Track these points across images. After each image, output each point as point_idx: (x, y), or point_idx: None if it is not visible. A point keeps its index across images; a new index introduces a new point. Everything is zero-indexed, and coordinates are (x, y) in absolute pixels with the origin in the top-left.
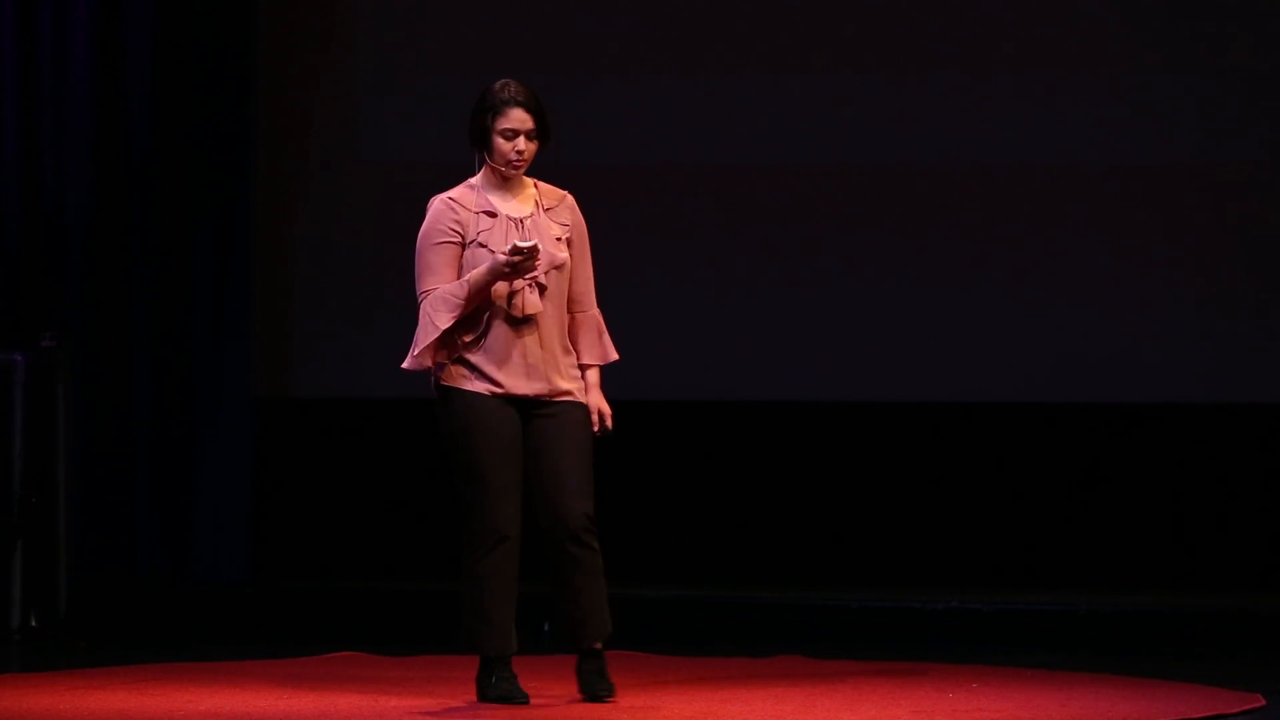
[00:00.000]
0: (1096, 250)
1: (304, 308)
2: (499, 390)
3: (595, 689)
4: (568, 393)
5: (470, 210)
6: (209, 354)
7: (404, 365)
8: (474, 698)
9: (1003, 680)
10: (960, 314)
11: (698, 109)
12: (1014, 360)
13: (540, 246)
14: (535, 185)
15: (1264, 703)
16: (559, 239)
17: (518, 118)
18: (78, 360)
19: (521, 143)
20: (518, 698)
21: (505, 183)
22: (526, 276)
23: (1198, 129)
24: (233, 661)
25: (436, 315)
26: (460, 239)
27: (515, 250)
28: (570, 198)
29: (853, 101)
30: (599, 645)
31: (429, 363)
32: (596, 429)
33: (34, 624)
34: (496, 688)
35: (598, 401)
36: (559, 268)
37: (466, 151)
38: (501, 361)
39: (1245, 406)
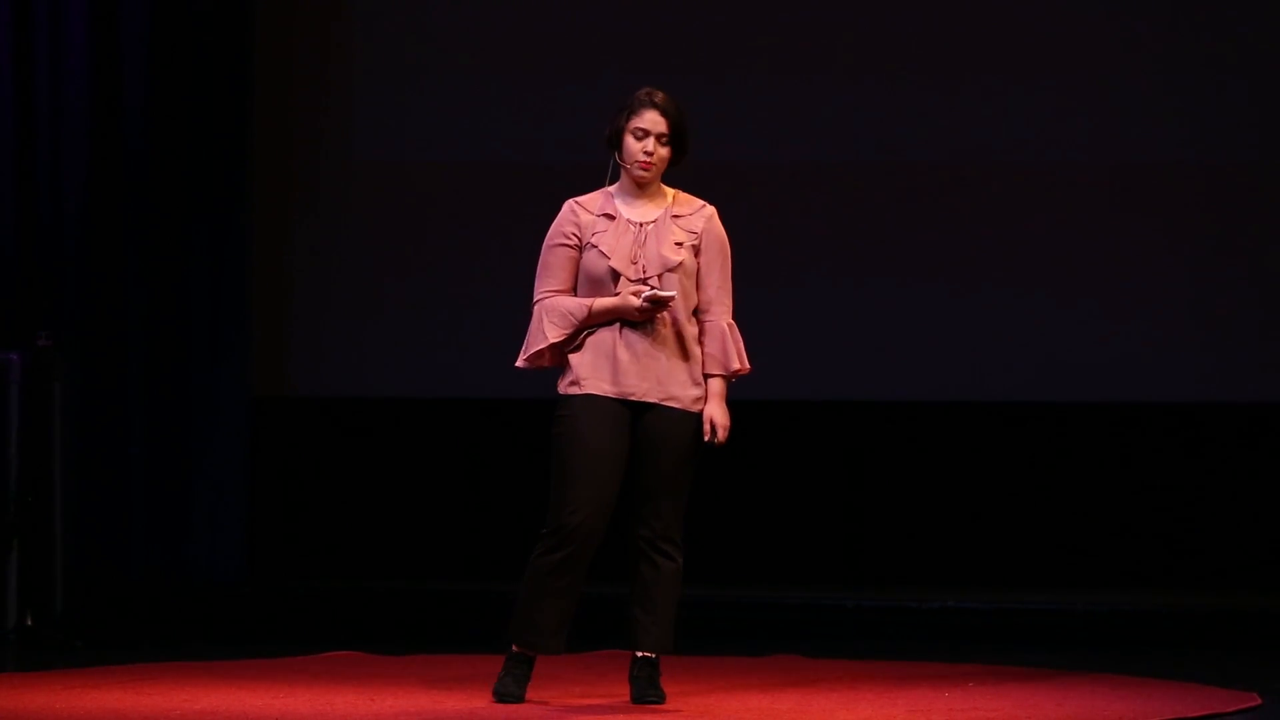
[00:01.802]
0: (1095, 250)
1: (300, 307)
2: (604, 391)
3: (643, 694)
4: (676, 399)
5: (591, 213)
6: (205, 353)
7: (517, 364)
8: (466, 696)
9: (999, 679)
10: (955, 313)
11: (695, 110)
12: (1009, 360)
13: (659, 295)
14: (674, 195)
15: (1260, 701)
16: (678, 244)
17: (650, 119)
18: (74, 359)
19: (651, 144)
20: (508, 698)
21: (639, 189)
22: (612, 271)
23: (1196, 129)
24: (229, 661)
25: (549, 326)
26: (577, 242)
27: (653, 300)
28: (709, 209)
29: (847, 103)
30: (652, 655)
31: (545, 364)
32: (706, 438)
33: (30, 623)
34: (500, 683)
35: (711, 410)
36: (671, 270)
37: (461, 152)
38: (607, 363)
39: (1241, 406)
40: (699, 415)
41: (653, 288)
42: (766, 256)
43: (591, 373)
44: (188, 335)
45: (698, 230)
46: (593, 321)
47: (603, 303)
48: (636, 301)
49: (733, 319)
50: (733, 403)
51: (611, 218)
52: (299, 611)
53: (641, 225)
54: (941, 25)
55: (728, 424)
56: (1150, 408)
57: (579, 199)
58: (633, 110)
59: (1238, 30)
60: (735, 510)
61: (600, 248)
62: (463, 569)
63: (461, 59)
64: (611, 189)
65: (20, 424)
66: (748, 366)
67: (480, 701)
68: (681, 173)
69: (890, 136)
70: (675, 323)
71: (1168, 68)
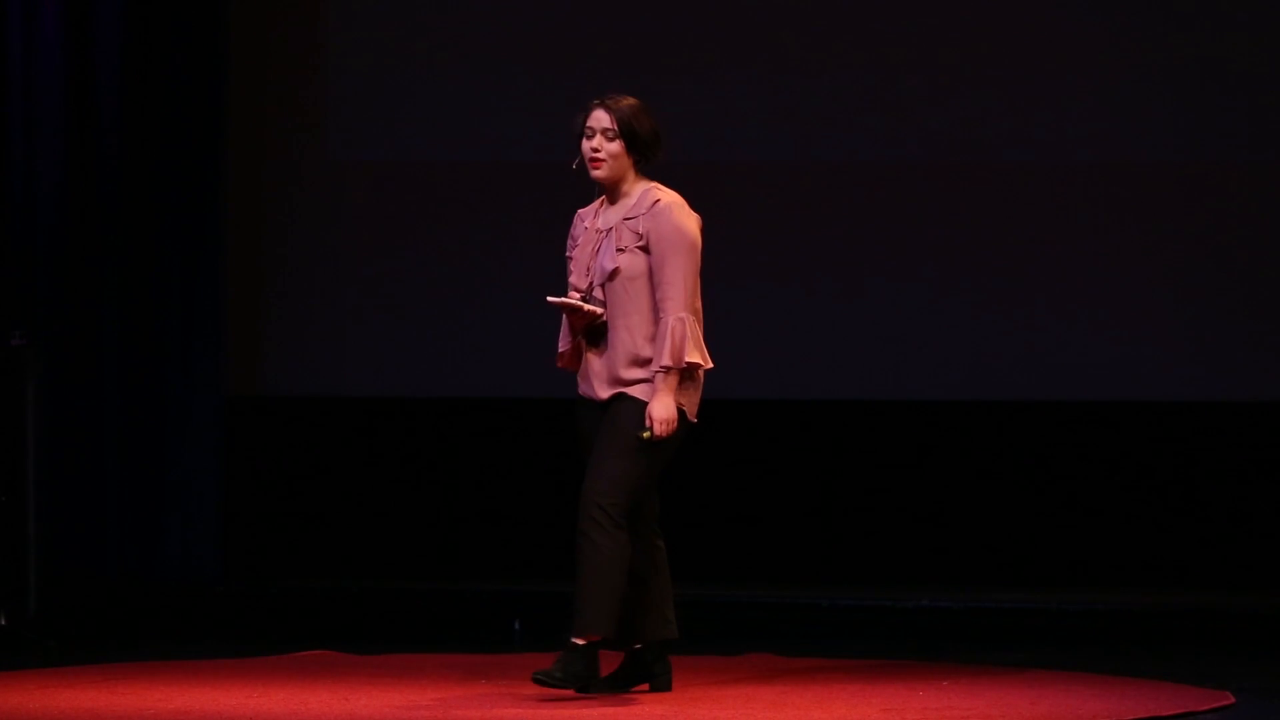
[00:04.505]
0: (1085, 249)
1: (274, 306)
2: (581, 392)
3: (538, 675)
4: (612, 390)
5: (583, 222)
6: (179, 352)
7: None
8: (441, 694)
9: (973, 678)
10: (935, 312)
11: (688, 109)
12: (990, 359)
13: (568, 303)
14: (640, 194)
15: (1233, 700)
16: (621, 249)
17: (595, 116)
18: (48, 358)
19: (598, 140)
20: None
21: (611, 191)
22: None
23: (1188, 129)
24: (203, 660)
25: (560, 338)
26: (572, 253)
27: (559, 306)
28: (660, 205)
29: (843, 102)
30: (578, 640)
31: (572, 368)
32: (645, 433)
33: (3, 623)
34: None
35: (650, 404)
36: (611, 278)
37: (436, 151)
38: (583, 367)
39: (1222, 405)
40: (634, 403)
41: (558, 298)
42: (748, 255)
43: (580, 377)
44: (162, 334)
45: (642, 231)
46: (570, 327)
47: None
48: (553, 304)
49: (687, 312)
50: (710, 402)
51: (588, 227)
52: (273, 611)
53: (600, 232)
54: (934, 25)
55: (664, 418)
56: (1130, 407)
57: (582, 209)
58: (587, 112)
59: (1228, 31)
60: (710, 509)
61: (573, 257)
62: (437, 568)
63: (440, 57)
64: (605, 195)
65: None
66: (684, 361)
67: (454, 699)
68: (674, 172)
69: (883, 136)
70: (626, 325)
71: (1158, 68)
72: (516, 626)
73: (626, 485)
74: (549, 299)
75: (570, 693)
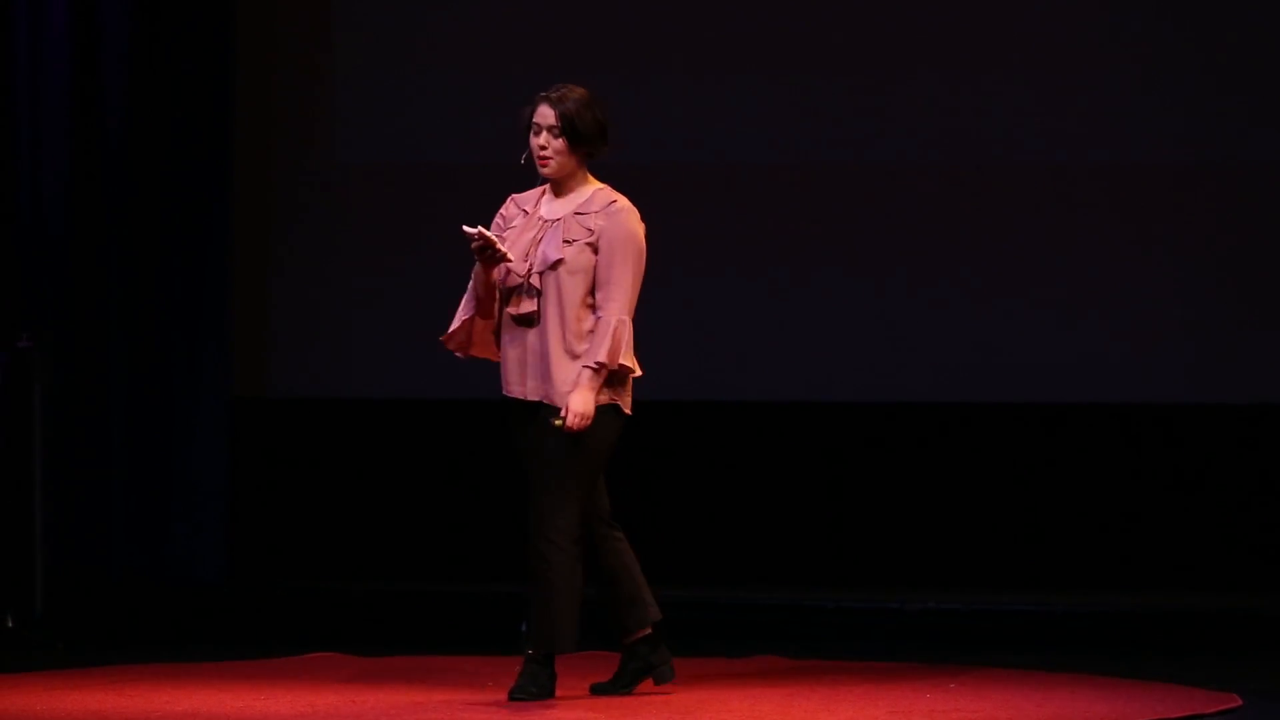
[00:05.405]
0: (1079, 250)
1: (281, 307)
2: (510, 393)
3: (512, 689)
4: (551, 397)
5: (519, 207)
6: (186, 353)
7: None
8: (448, 696)
9: (980, 680)
10: (936, 314)
11: (688, 108)
12: (990, 361)
13: (488, 235)
14: (594, 192)
15: (1240, 703)
16: (568, 241)
17: (541, 113)
18: (54, 360)
19: (544, 137)
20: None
21: (559, 184)
22: (508, 270)
23: (1184, 129)
24: (210, 662)
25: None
26: (501, 235)
27: (480, 241)
28: (616, 206)
29: (844, 102)
30: (529, 651)
31: (451, 347)
32: (557, 421)
33: (10, 624)
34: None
35: (570, 396)
36: (553, 268)
37: (441, 152)
38: (509, 364)
39: (1221, 407)
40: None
41: (464, 227)
42: (748, 255)
43: (503, 375)
44: (169, 336)
45: (594, 228)
46: (474, 281)
47: (476, 269)
48: (469, 233)
49: (627, 316)
50: (714, 404)
51: (528, 213)
52: (280, 612)
53: (547, 222)
54: (934, 25)
55: (581, 412)
56: (1131, 407)
57: (517, 194)
58: (533, 107)
59: (1226, 30)
60: (716, 511)
61: (508, 240)
62: (443, 570)
63: (447, 60)
64: (547, 185)
65: (1, 425)
66: (617, 363)
67: (461, 701)
68: (673, 171)
69: (884, 136)
70: (560, 320)
71: (1154, 68)
72: (523, 629)
73: (574, 503)
74: (465, 228)
75: (565, 698)
